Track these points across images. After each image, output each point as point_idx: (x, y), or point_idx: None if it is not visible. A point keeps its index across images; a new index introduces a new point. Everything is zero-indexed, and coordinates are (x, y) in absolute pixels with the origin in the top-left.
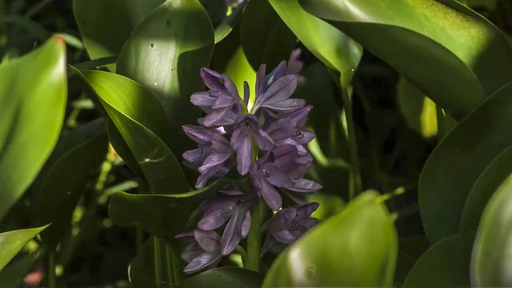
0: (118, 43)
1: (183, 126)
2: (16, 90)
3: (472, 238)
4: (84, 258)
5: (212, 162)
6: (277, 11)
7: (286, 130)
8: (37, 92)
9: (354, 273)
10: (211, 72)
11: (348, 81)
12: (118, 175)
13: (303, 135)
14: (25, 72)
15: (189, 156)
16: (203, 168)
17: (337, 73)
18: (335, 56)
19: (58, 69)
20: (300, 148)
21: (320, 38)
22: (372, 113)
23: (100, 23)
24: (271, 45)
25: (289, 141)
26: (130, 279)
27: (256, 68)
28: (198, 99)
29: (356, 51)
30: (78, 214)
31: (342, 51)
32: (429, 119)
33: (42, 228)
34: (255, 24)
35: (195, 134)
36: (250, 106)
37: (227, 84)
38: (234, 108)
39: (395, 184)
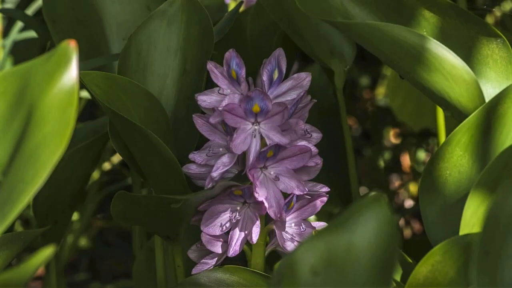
0: (89, 42)
1: (193, 115)
2: (27, 93)
3: (473, 238)
4: (84, 258)
5: (225, 166)
6: (268, 12)
7: (296, 131)
8: (49, 95)
9: (359, 271)
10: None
11: (342, 80)
12: (114, 173)
13: (311, 135)
14: (37, 75)
15: (195, 156)
16: (215, 174)
17: (331, 72)
18: (328, 56)
19: (71, 73)
20: (313, 149)
21: (313, 38)
22: (372, 113)
23: (70, 22)
24: (280, 45)
25: (302, 142)
26: (132, 279)
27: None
28: (206, 100)
29: (349, 50)
30: (77, 213)
31: (335, 50)
32: (418, 112)
33: (44, 229)
34: (262, 24)
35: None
36: None
37: (240, 76)
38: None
39: (394, 184)
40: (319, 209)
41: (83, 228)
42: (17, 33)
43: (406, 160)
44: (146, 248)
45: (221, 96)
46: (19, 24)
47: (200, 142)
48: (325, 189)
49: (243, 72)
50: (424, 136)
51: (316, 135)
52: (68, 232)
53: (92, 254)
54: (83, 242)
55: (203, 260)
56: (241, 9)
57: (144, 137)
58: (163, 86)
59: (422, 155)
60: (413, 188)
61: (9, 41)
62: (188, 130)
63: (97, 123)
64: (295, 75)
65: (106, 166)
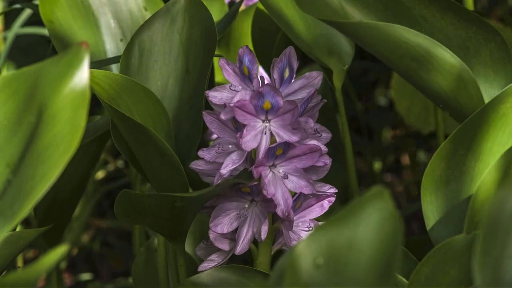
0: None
1: (203, 112)
2: (38, 93)
3: (475, 238)
4: (84, 258)
5: (234, 163)
6: (267, 12)
7: (306, 130)
8: (61, 95)
9: (362, 265)
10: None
11: (341, 79)
12: (113, 171)
13: (321, 134)
14: (48, 75)
15: (205, 153)
16: (224, 171)
17: (330, 72)
18: (327, 55)
19: (82, 73)
20: (323, 148)
21: (312, 37)
22: (366, 112)
23: (67, 22)
24: (282, 45)
25: (311, 142)
26: (132, 279)
27: (266, 67)
28: (217, 96)
29: (348, 49)
30: (77, 213)
31: (334, 50)
32: (424, 115)
33: (44, 228)
34: (265, 24)
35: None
36: None
37: (252, 73)
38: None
39: (393, 183)
40: (326, 209)
41: (83, 228)
42: (19, 27)
43: (405, 160)
44: (146, 248)
45: (232, 92)
46: (22, 18)
47: (202, 142)
48: (333, 190)
49: (255, 69)
50: (424, 136)
51: (326, 135)
52: (68, 231)
53: (92, 254)
54: (83, 242)
55: (210, 258)
56: (241, 8)
57: (146, 135)
58: (165, 86)
59: (422, 155)
60: (412, 188)
61: (11, 34)
62: (190, 130)
63: (97, 122)
64: (307, 73)
65: (106, 164)
